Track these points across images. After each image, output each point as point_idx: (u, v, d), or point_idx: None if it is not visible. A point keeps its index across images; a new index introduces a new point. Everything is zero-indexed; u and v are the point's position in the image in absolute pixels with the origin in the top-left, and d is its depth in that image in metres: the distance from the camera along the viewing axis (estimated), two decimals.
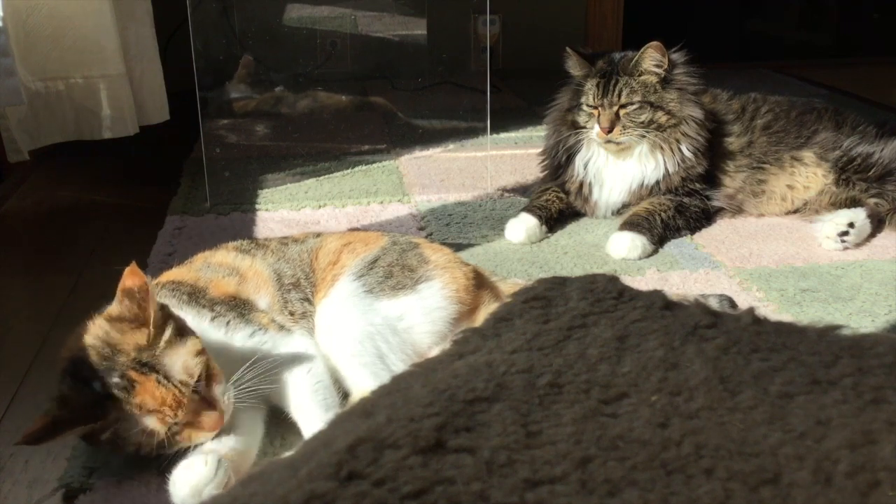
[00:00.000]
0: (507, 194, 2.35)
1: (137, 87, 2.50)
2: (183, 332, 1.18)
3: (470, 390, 0.86)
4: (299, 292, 1.41)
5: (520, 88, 3.54)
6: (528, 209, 2.08)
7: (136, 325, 1.15)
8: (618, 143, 2.05)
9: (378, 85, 3.37)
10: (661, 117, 2.05)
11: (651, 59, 2.03)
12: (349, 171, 2.54)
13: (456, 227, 2.10)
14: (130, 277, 1.17)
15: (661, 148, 2.05)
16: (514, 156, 2.68)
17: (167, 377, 1.12)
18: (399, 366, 1.30)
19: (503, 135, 2.88)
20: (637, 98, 2.03)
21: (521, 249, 1.98)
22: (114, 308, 1.18)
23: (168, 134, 2.68)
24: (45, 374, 1.47)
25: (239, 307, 1.32)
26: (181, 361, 1.14)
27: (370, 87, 3.36)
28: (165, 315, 1.17)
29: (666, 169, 2.06)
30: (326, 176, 2.50)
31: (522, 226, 2.01)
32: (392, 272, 1.42)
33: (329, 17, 3.39)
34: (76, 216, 2.26)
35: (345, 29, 3.39)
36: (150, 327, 1.14)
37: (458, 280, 1.44)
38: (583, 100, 2.08)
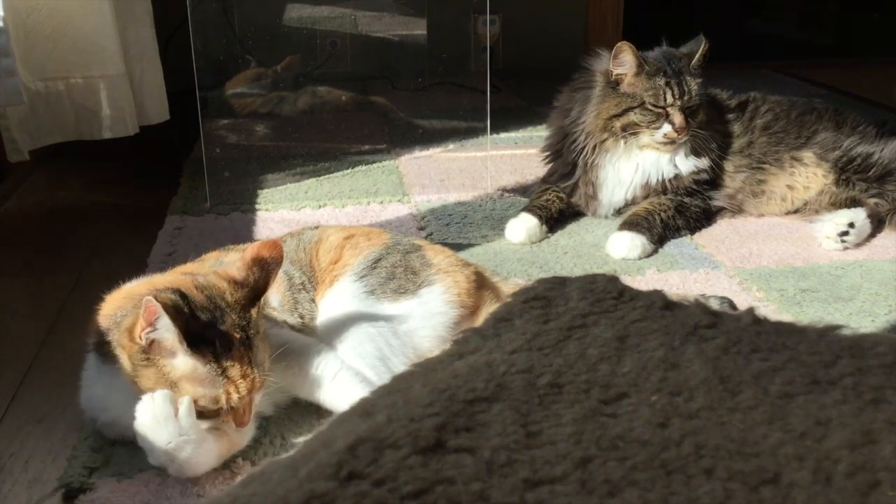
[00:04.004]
0: (507, 194, 2.35)
1: (137, 87, 2.50)
2: (266, 334, 1.22)
3: (470, 390, 0.86)
4: (307, 293, 1.42)
5: (520, 88, 3.54)
6: (528, 209, 2.08)
7: (252, 295, 1.19)
8: (677, 143, 2.04)
9: (378, 85, 3.37)
10: (703, 117, 2.06)
11: (703, 59, 2.05)
12: (349, 171, 2.54)
13: (456, 227, 2.10)
14: (269, 248, 1.21)
15: (699, 147, 2.06)
16: (514, 156, 2.68)
17: (254, 362, 1.16)
18: (400, 368, 1.30)
19: (503, 135, 2.88)
20: (698, 99, 2.03)
21: (521, 249, 1.97)
22: (237, 272, 1.22)
23: (168, 134, 2.68)
24: (45, 374, 1.47)
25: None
26: (262, 356, 1.18)
27: (370, 86, 3.36)
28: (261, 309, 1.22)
29: (696, 167, 2.07)
30: (326, 176, 2.50)
31: (522, 226, 2.01)
32: (395, 274, 1.41)
33: (329, 17, 3.39)
34: (76, 216, 2.26)
35: (345, 29, 3.39)
36: (262, 300, 1.20)
37: (460, 284, 1.44)
38: (647, 99, 2.00)
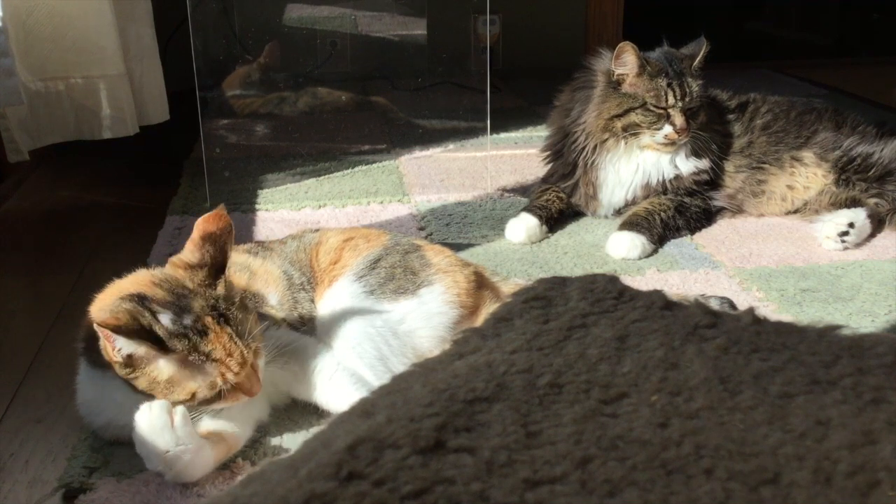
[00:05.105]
0: (507, 194, 2.35)
1: (137, 87, 2.50)
2: (244, 301, 1.20)
3: (470, 390, 0.86)
4: (306, 293, 1.42)
5: (520, 88, 3.54)
6: (528, 209, 2.08)
7: (213, 273, 1.17)
8: (678, 144, 2.04)
9: (378, 85, 3.37)
10: (704, 118, 2.07)
11: (702, 59, 2.05)
12: (349, 171, 2.54)
13: (456, 227, 2.10)
14: (213, 221, 1.19)
15: (700, 148, 2.06)
16: (514, 156, 2.68)
17: (238, 335, 1.15)
18: (399, 368, 1.30)
19: (503, 135, 2.88)
20: (699, 100, 2.04)
21: (521, 249, 1.97)
22: (188, 255, 1.20)
23: (168, 134, 2.68)
24: (45, 374, 1.47)
25: (251, 299, 1.33)
26: (248, 325, 1.17)
27: (370, 86, 3.36)
28: (231, 281, 1.20)
29: (696, 168, 2.07)
30: (326, 176, 2.50)
31: (523, 225, 2.01)
32: (394, 274, 1.41)
33: (329, 17, 3.39)
34: (76, 216, 2.26)
35: (345, 29, 3.39)
36: (227, 272, 1.17)
37: (460, 284, 1.44)
38: (650, 100, 2.00)
